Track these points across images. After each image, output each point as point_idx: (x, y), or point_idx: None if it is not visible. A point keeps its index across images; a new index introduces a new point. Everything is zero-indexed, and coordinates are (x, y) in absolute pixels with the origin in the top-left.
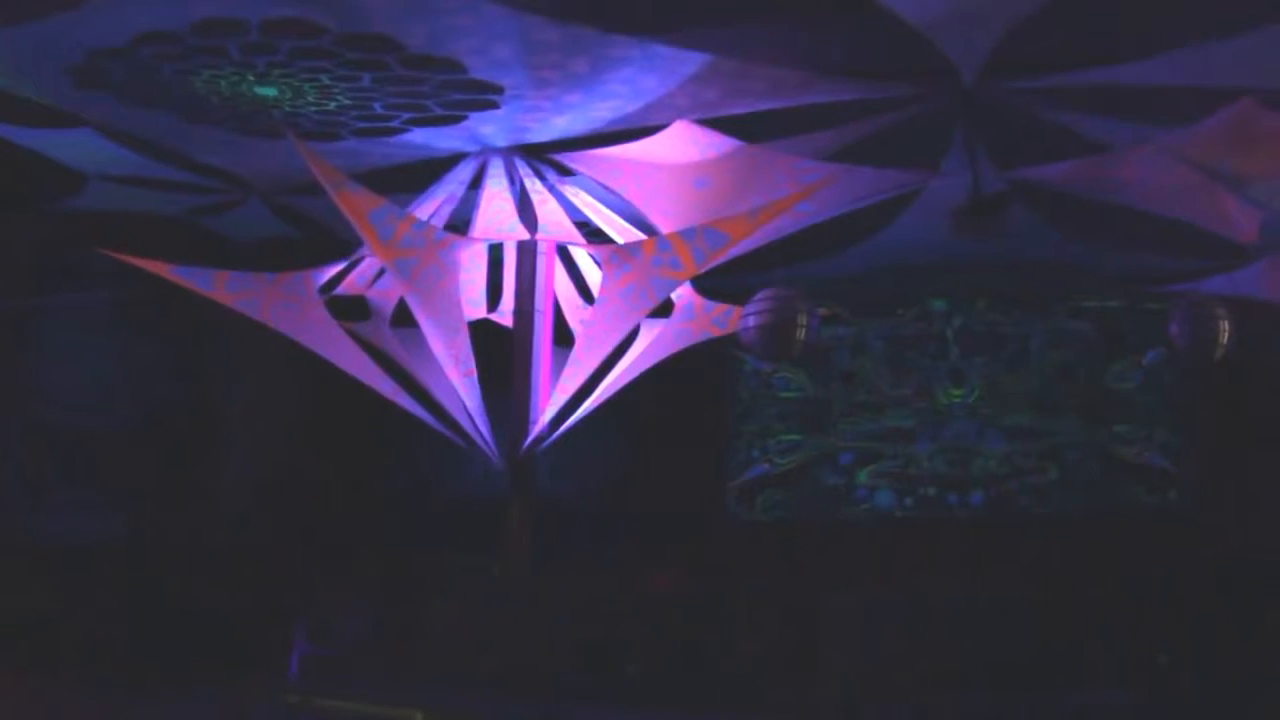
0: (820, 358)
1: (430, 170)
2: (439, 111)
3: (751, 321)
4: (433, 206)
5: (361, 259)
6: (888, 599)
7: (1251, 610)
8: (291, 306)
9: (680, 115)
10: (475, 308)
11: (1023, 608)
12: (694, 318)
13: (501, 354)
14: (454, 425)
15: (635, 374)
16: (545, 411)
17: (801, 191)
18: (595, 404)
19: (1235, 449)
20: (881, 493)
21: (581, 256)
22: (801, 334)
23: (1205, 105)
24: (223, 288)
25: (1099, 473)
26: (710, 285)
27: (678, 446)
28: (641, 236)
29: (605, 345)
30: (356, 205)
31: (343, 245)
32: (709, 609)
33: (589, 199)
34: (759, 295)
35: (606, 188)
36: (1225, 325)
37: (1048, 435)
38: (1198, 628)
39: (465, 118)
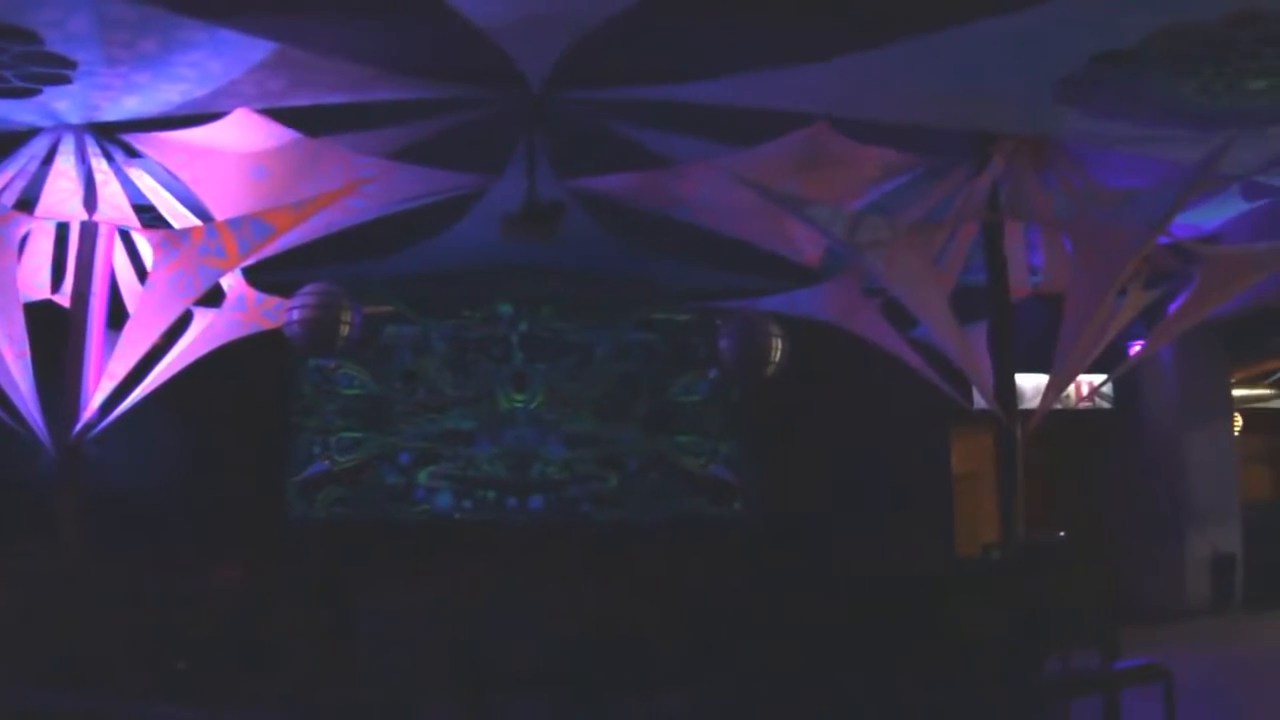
0: (383, 356)
1: (12, 144)
2: (16, 83)
3: (295, 315)
4: (3, 181)
5: None
6: (442, 601)
7: (815, 618)
8: None
9: (247, 103)
10: (40, 288)
11: (579, 613)
12: (245, 309)
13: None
14: (10, 409)
15: (186, 362)
16: (94, 397)
17: (346, 186)
18: (146, 391)
19: (797, 462)
20: (441, 494)
21: (144, 241)
22: (345, 330)
23: (777, 127)
24: None
25: (661, 482)
26: (270, 278)
27: (242, 440)
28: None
29: (152, 331)
30: None
31: None
32: (264, 606)
33: (152, 183)
34: (303, 290)
35: (170, 172)
36: (777, 342)
37: (609, 443)
38: (761, 635)
39: (40, 91)
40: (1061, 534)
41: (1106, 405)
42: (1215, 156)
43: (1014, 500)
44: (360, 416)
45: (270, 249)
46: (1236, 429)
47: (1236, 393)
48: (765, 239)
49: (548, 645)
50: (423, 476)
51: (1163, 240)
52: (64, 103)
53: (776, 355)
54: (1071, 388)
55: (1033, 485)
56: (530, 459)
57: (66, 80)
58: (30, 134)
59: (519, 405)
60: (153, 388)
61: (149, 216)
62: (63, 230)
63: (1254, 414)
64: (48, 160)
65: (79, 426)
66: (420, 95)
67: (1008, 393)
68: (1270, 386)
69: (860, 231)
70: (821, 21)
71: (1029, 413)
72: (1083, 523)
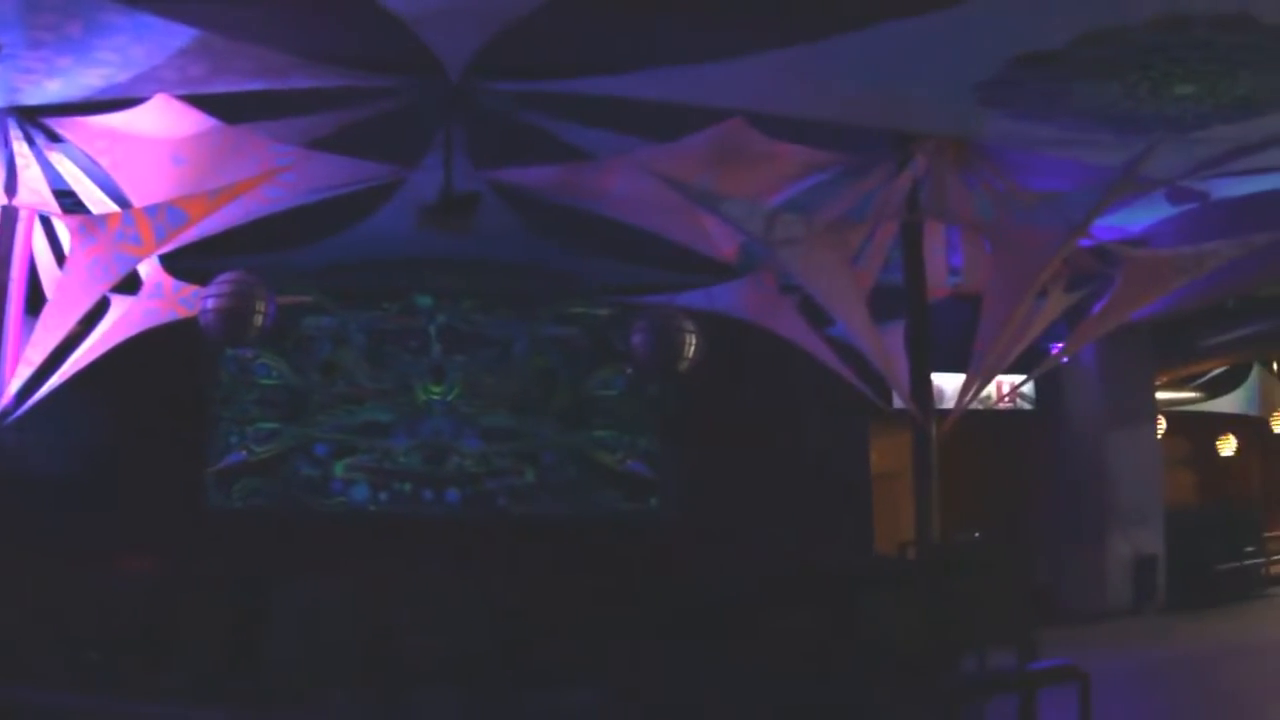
0: (301, 346)
1: None
2: None
3: (210, 304)
4: None
5: None
6: (357, 593)
7: (728, 615)
8: None
9: (168, 88)
10: None
11: (493, 606)
12: (162, 297)
13: None
14: None
15: (104, 349)
16: (10, 384)
17: (262, 175)
18: (64, 378)
19: (715, 459)
20: (357, 486)
21: (63, 228)
22: (258, 320)
23: (697, 122)
24: None
25: (577, 477)
26: (190, 266)
27: (160, 429)
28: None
29: (70, 318)
30: None
31: None
32: (177, 596)
33: (73, 168)
34: (218, 279)
35: (90, 157)
36: (690, 338)
37: (526, 437)
38: (673, 631)
39: None
40: (976, 534)
41: (1028, 406)
42: (1136, 161)
43: (928, 499)
44: (278, 407)
45: (186, 236)
46: (1160, 431)
47: (1161, 395)
48: (682, 234)
49: (460, 638)
50: (339, 468)
51: (1085, 243)
52: None
53: (689, 351)
54: (993, 388)
55: (954, 485)
56: (446, 452)
57: None
58: None
59: (436, 398)
60: (70, 374)
61: (69, 202)
62: None
63: (1178, 417)
64: None
65: None
66: (340, 84)
67: (924, 392)
68: (1195, 390)
69: (776, 228)
70: (742, 17)
71: (950, 412)
72: (1004, 523)
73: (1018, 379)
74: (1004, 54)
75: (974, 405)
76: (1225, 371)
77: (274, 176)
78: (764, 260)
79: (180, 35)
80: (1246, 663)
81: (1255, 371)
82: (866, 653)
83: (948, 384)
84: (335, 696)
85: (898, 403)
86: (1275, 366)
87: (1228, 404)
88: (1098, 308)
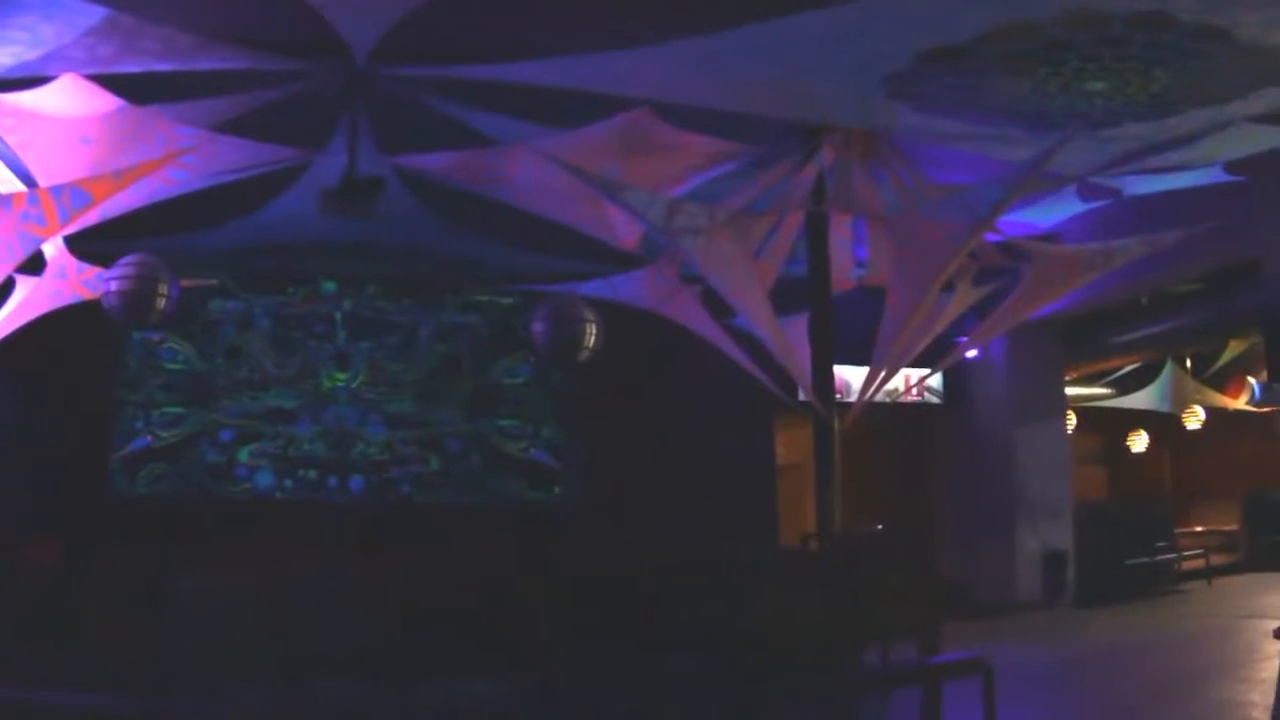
0: (207, 330)
1: None
2: None
3: (113, 286)
4: None
5: None
6: (259, 580)
7: (623, 606)
8: None
9: (77, 68)
10: None
11: (396, 595)
12: (66, 278)
13: None
14: None
15: (7, 331)
16: None
17: (164, 157)
18: None
19: (619, 448)
20: (262, 473)
21: None
22: (161, 303)
23: (604, 110)
24: None
25: (482, 465)
26: (96, 248)
27: (65, 413)
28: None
29: None
30: None
31: None
32: (81, 583)
33: None
34: (122, 260)
35: None
36: (590, 327)
37: (430, 425)
38: (572, 622)
39: None
40: (879, 526)
41: (936, 400)
42: (1042, 158)
43: (830, 492)
44: (183, 391)
45: (90, 217)
46: (1071, 427)
47: (1073, 391)
48: (584, 222)
49: (363, 627)
50: (244, 455)
51: (993, 237)
52: None
53: (590, 340)
54: (900, 381)
55: (862, 478)
56: (351, 439)
57: None
58: None
59: (341, 384)
60: None
61: None
62: None
63: (1090, 413)
64: None
65: None
66: (248, 66)
67: (826, 384)
68: (1107, 386)
69: (677, 218)
70: (650, 5)
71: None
72: (912, 516)
73: (925, 372)
74: (910, 47)
75: (881, 398)
76: (1138, 368)
77: (178, 158)
78: (666, 250)
79: (89, 14)
80: (1153, 658)
81: (1168, 368)
82: (766, 645)
83: (855, 377)
84: (237, 685)
85: (802, 395)
86: (1188, 364)
87: (1140, 400)
88: (1005, 302)
